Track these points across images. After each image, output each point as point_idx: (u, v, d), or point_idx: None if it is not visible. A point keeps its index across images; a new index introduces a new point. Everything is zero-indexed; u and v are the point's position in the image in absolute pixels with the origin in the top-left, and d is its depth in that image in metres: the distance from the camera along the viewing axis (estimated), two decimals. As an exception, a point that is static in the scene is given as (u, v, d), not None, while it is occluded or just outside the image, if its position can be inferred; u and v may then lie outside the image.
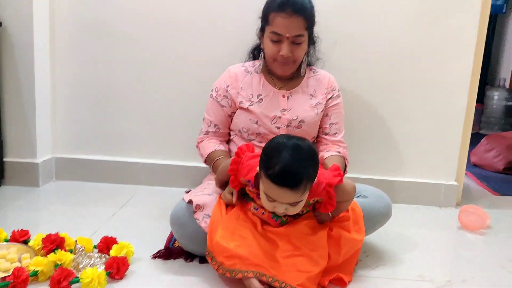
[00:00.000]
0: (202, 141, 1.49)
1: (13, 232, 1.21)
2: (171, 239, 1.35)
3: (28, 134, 1.77)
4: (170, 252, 1.26)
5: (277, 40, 1.35)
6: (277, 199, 1.05)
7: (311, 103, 1.46)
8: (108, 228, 1.30)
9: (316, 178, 1.08)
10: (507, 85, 4.49)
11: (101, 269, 1.09)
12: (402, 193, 1.89)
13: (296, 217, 1.16)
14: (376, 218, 1.32)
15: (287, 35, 1.33)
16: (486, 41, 1.82)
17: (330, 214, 1.18)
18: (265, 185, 1.06)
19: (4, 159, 1.78)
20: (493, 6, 4.82)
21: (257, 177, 1.10)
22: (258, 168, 1.08)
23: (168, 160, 1.89)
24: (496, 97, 4.45)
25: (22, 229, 1.21)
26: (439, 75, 1.82)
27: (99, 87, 1.87)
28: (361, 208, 1.24)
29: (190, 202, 1.22)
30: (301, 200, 1.06)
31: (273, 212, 1.12)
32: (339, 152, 1.46)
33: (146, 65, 1.84)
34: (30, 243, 1.17)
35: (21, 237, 1.19)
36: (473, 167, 2.73)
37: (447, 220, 1.75)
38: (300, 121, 1.44)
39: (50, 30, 1.81)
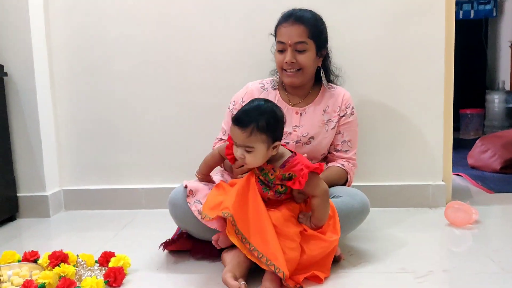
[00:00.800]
0: (215, 144, 1.60)
1: (25, 253, 1.34)
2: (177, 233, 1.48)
3: (37, 170, 1.93)
4: (178, 238, 1.41)
5: (282, 49, 1.46)
6: (233, 139, 1.23)
7: (323, 119, 1.52)
8: (109, 247, 1.41)
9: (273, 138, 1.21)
10: (507, 87, 4.52)
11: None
12: (391, 197, 1.95)
13: (278, 194, 1.25)
14: (351, 215, 1.37)
15: (289, 41, 1.43)
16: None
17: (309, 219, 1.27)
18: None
19: (17, 194, 1.94)
20: (482, 11, 4.95)
21: None
22: None
23: (166, 184, 2.00)
24: (497, 100, 4.46)
25: (32, 250, 1.35)
26: (414, 78, 1.91)
27: (98, 122, 2.03)
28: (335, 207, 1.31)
29: (186, 186, 1.37)
30: (253, 147, 1.20)
31: (261, 181, 1.26)
32: (342, 165, 1.51)
33: (141, 97, 2.00)
34: (39, 262, 1.30)
35: (31, 257, 1.33)
36: (471, 169, 2.76)
37: (436, 219, 1.78)
38: (310, 138, 1.51)
39: (49, 73, 2.00)
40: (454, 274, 1.27)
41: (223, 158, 1.37)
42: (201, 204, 1.31)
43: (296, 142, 1.50)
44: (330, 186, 1.46)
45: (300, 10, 1.48)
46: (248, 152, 1.21)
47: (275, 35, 1.51)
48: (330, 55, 1.58)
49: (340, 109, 1.53)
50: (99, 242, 1.59)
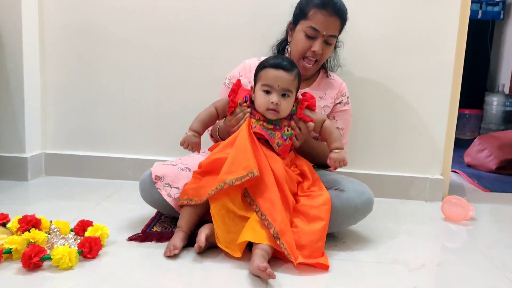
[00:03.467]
0: None
1: (-7, 215, 1.25)
2: (149, 225, 1.38)
3: (17, 130, 1.82)
4: (146, 235, 1.29)
5: (313, 36, 1.38)
6: (273, 84, 1.24)
7: (319, 104, 1.48)
8: (88, 217, 1.32)
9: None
10: (507, 90, 4.49)
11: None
12: (388, 187, 1.89)
13: (285, 137, 1.27)
14: (352, 213, 1.30)
15: (324, 32, 1.37)
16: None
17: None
18: (262, 78, 1.27)
19: (-6, 154, 1.83)
20: (490, 13, 4.89)
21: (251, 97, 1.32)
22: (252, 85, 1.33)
23: (155, 156, 1.92)
24: (495, 102, 4.43)
25: (2, 213, 1.25)
26: (421, 69, 1.84)
27: (87, 84, 1.93)
28: (337, 203, 1.26)
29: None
30: (292, 93, 1.27)
31: (266, 127, 1.27)
32: None
33: (132, 62, 1.90)
34: (8, 225, 1.21)
35: (0, 220, 1.23)
36: (467, 168, 2.73)
37: (432, 213, 1.75)
38: None
39: (39, 27, 1.88)
40: (447, 269, 1.22)
41: (218, 116, 1.34)
42: (171, 187, 1.29)
43: None
44: (317, 156, 1.45)
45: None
46: (285, 97, 1.25)
47: (305, 16, 1.40)
48: (338, 45, 1.57)
49: (336, 96, 1.52)
50: (78, 211, 1.50)
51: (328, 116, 1.51)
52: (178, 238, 1.18)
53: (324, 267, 1.14)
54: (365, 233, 1.44)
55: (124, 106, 1.93)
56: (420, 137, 1.88)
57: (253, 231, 1.12)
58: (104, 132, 1.95)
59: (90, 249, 1.11)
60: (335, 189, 1.32)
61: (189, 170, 1.35)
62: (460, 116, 4.27)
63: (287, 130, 1.28)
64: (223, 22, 1.85)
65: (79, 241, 1.17)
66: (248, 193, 1.18)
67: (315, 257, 1.15)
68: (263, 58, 1.52)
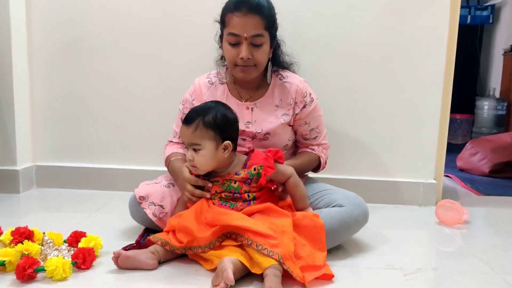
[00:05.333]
0: (166, 147, 1.53)
1: (-15, 228, 1.24)
2: (143, 235, 1.37)
3: (8, 142, 1.82)
4: (140, 246, 1.28)
5: (236, 42, 1.30)
6: (182, 139, 1.25)
7: (277, 114, 1.41)
8: (81, 228, 1.31)
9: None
10: (497, 94, 4.54)
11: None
12: (382, 193, 1.90)
13: (247, 202, 1.22)
14: (354, 225, 1.33)
15: (245, 34, 1.27)
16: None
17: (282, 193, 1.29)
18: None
19: (-15, 167, 1.82)
20: (479, 17, 4.94)
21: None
22: None
23: (145, 166, 1.92)
24: (486, 106, 4.48)
25: (-6, 226, 1.24)
26: (412, 75, 1.85)
27: (77, 96, 1.93)
28: (337, 218, 1.28)
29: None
30: (200, 145, 1.19)
31: (224, 199, 1.22)
32: (312, 149, 1.50)
33: (120, 74, 1.91)
34: (1, 238, 1.20)
35: (-8, 233, 1.22)
36: (460, 172, 2.74)
37: (426, 217, 1.75)
38: (265, 134, 1.40)
39: (28, 44, 1.89)
40: (443, 273, 1.22)
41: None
42: (155, 205, 1.33)
43: (253, 138, 1.41)
44: (303, 171, 1.45)
45: None
46: (196, 151, 1.19)
47: (224, 24, 1.33)
48: (281, 44, 1.47)
49: (295, 102, 1.41)
50: (71, 222, 1.49)
51: (299, 123, 1.46)
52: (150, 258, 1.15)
53: (328, 277, 1.12)
54: (360, 238, 1.44)
55: (113, 117, 1.93)
56: (413, 142, 1.89)
57: (258, 257, 1.06)
58: (94, 143, 1.95)
59: (84, 260, 1.11)
60: (333, 206, 1.32)
61: (173, 185, 1.37)
62: (451, 121, 4.29)
63: (248, 196, 1.21)
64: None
65: (72, 252, 1.16)
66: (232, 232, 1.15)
67: (316, 267, 1.14)
68: (212, 75, 1.48)
